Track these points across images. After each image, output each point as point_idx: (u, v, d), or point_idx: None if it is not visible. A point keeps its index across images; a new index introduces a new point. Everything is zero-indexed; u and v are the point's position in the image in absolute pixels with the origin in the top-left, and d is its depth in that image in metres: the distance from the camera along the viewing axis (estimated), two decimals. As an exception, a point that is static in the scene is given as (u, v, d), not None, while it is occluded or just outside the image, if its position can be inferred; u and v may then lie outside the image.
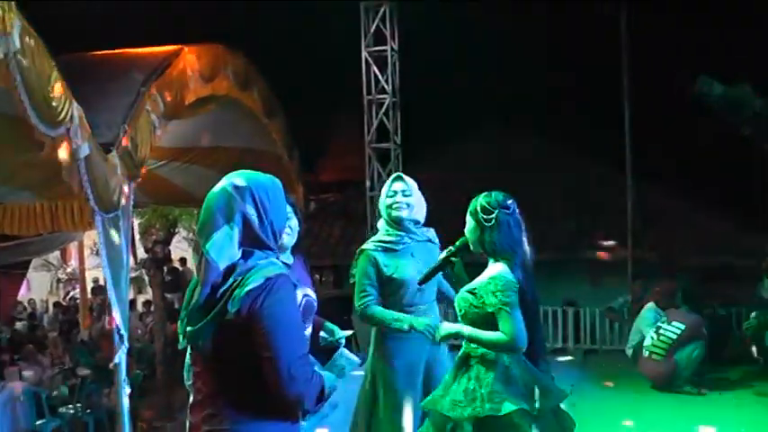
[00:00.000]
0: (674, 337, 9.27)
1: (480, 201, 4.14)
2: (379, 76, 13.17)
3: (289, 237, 4.25)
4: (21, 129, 5.42)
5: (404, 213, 5.16)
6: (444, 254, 4.36)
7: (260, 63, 10.08)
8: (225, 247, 2.78)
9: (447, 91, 16.21)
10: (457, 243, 4.31)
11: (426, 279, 4.50)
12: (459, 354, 4.17)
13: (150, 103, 7.08)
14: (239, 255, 2.79)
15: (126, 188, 6.61)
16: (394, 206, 5.18)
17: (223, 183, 2.90)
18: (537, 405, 3.92)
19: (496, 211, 4.06)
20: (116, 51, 8.16)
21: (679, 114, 14.59)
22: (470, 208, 4.18)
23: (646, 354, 9.47)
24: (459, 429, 4.00)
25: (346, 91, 14.35)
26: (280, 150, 10.89)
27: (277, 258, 2.86)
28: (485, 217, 4.07)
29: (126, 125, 6.60)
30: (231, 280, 2.75)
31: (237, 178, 2.90)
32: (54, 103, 5.29)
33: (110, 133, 6.48)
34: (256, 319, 2.69)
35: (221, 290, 2.75)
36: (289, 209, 4.21)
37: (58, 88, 5.31)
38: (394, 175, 5.39)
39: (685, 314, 9.50)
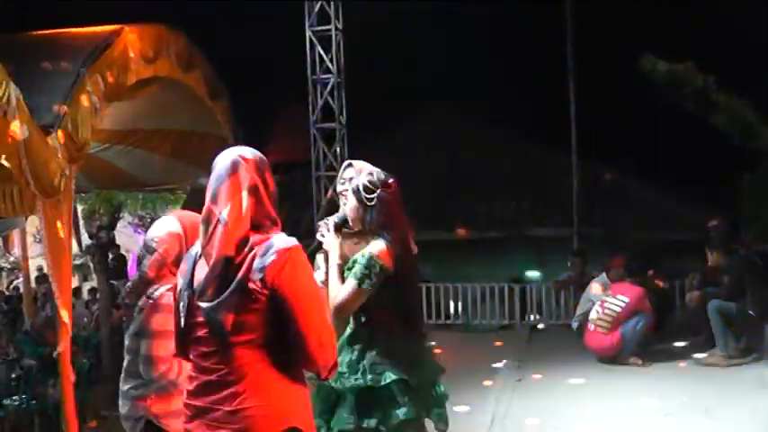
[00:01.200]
0: (618, 309, 9.39)
1: (362, 179, 4.21)
2: (324, 56, 13.10)
3: None
4: (-44, 111, 5.30)
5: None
6: (324, 231, 4.37)
7: (203, 44, 9.97)
8: (239, 216, 2.78)
9: (392, 71, 16.20)
10: (336, 219, 4.37)
11: (310, 254, 4.50)
12: (348, 331, 4.23)
13: (91, 84, 6.96)
14: (249, 225, 2.79)
15: (67, 171, 6.50)
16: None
17: (231, 154, 2.91)
18: (415, 376, 4.04)
19: (378, 191, 4.12)
20: (55, 31, 8.01)
21: (623, 93, 14.76)
22: (352, 186, 4.26)
23: (591, 327, 9.58)
24: (342, 400, 4.10)
25: (291, 72, 14.25)
26: (224, 132, 10.80)
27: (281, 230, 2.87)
28: (367, 196, 4.13)
29: (66, 107, 6.47)
30: (247, 251, 2.74)
31: (244, 151, 2.93)
32: (-11, 85, 5.17)
33: (49, 115, 6.36)
34: (281, 290, 2.70)
35: (237, 261, 2.74)
36: None
37: (-7, 69, 5.19)
38: (345, 163, 5.39)
39: (629, 287, 9.62)
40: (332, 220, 4.37)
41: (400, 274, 4.08)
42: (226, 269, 2.74)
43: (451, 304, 13.00)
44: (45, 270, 16.71)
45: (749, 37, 13.03)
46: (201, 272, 2.83)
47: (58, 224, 6.50)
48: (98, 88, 7.09)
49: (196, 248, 2.95)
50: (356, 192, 4.19)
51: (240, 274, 2.72)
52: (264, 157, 2.96)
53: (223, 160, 2.89)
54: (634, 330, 9.31)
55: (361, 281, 4.00)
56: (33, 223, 14.86)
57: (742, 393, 7.78)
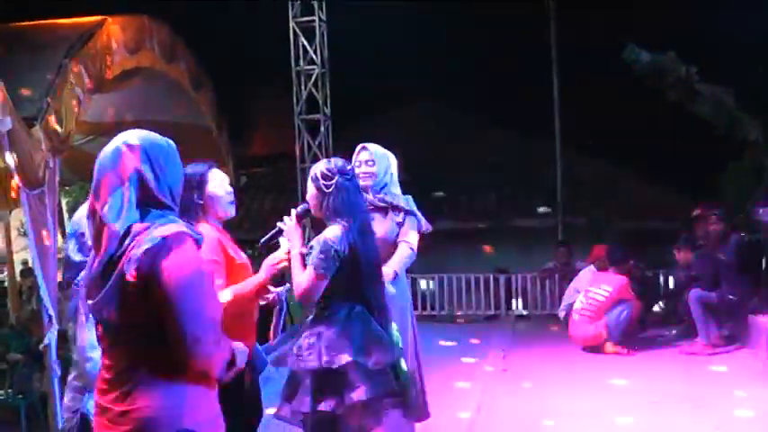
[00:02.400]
0: (602, 299, 9.45)
1: (320, 167, 4.28)
2: (308, 47, 13.07)
3: (231, 207, 4.26)
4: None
5: (368, 183, 5.38)
6: (286, 220, 4.37)
7: (186, 35, 9.94)
8: (122, 208, 2.59)
9: (376, 62, 16.18)
10: (299, 209, 4.39)
11: (265, 242, 4.50)
12: (311, 315, 4.30)
13: (74, 75, 6.93)
14: (137, 216, 2.60)
15: (51, 163, 6.47)
16: (358, 176, 5.22)
17: (115, 142, 2.71)
18: (373, 359, 4.06)
19: (336, 177, 4.18)
20: (37, 22, 7.96)
21: (607, 82, 14.80)
22: (311, 174, 4.32)
23: (575, 317, 9.64)
24: (299, 382, 4.16)
25: (275, 63, 14.21)
26: (209, 124, 10.79)
27: (178, 217, 2.70)
28: (325, 183, 4.19)
29: (49, 98, 6.45)
30: (128, 241, 2.56)
31: (130, 136, 2.72)
32: (-28, 77, 5.14)
33: (32, 107, 6.33)
34: (156, 279, 2.52)
35: (117, 255, 2.56)
36: (226, 180, 4.28)
37: (-25, 60, 5.16)
38: (360, 146, 5.55)
39: (612, 277, 9.68)
40: (294, 210, 4.39)
41: (357, 259, 4.12)
42: (105, 266, 2.59)
43: (436, 295, 13.02)
44: (30, 263, 16.66)
45: (732, 26, 13.09)
46: (91, 270, 2.69)
47: (42, 215, 6.47)
48: (81, 80, 7.06)
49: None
50: (315, 179, 4.24)
51: (119, 267, 2.55)
52: (162, 142, 2.77)
53: (106, 149, 2.71)
54: (618, 319, 9.38)
55: (317, 266, 4.05)
56: (18, 216, 14.82)
57: (725, 381, 7.84)
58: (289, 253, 4.21)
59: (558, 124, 14.78)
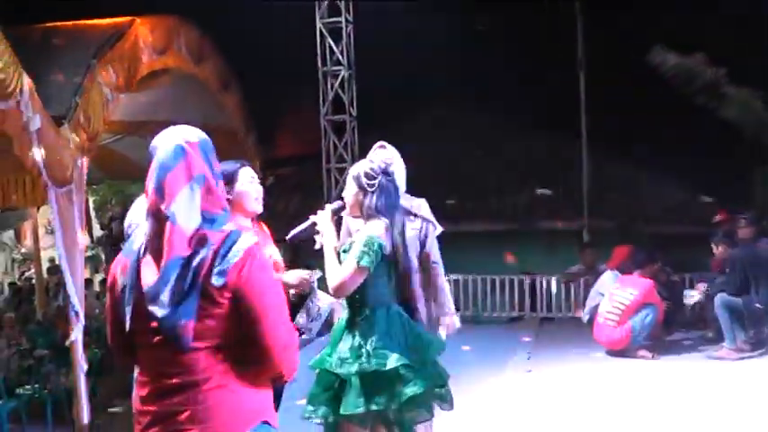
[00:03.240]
0: (627, 302, 9.38)
1: (363, 166, 4.30)
2: (334, 48, 13.10)
3: (259, 204, 4.31)
4: (-31, 102, 5.34)
5: None
6: (319, 214, 4.39)
7: (214, 36, 10.00)
8: (190, 209, 2.48)
9: (402, 63, 16.17)
10: (333, 205, 4.41)
11: (296, 235, 4.51)
12: (345, 317, 4.30)
13: (102, 75, 7.01)
14: (200, 218, 2.50)
15: (79, 162, 6.54)
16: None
17: (173, 139, 2.58)
18: (417, 356, 4.12)
19: (380, 177, 4.21)
20: (66, 23, 8.04)
21: (634, 84, 14.70)
22: (352, 172, 4.32)
23: (600, 320, 9.58)
24: (347, 385, 4.14)
25: (301, 64, 14.25)
26: (236, 125, 10.84)
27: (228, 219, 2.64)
28: (368, 182, 4.21)
29: (78, 98, 6.52)
30: (205, 250, 2.46)
31: (188, 133, 2.61)
32: (2, 75, 5.21)
33: (61, 106, 6.40)
34: (244, 294, 2.47)
35: (195, 263, 2.45)
36: (256, 178, 4.33)
37: (6, 59, 5.22)
38: (378, 144, 5.49)
39: (638, 280, 9.61)
40: (329, 205, 4.41)
41: (397, 257, 4.18)
42: (181, 273, 2.45)
43: (460, 295, 13.00)
44: (57, 261, 16.81)
45: (761, 28, 12.95)
46: (150, 273, 2.53)
47: (70, 212, 6.54)
48: (110, 80, 7.13)
49: (138, 243, 2.62)
50: (357, 178, 4.26)
51: (200, 278, 2.45)
52: (208, 138, 2.65)
53: (165, 145, 2.57)
54: (643, 323, 9.31)
55: (360, 258, 4.05)
56: (45, 215, 14.97)
57: (751, 386, 7.78)
58: (293, 239, 4.24)
59: (584, 125, 14.71)
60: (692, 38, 12.95)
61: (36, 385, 9.67)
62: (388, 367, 4.05)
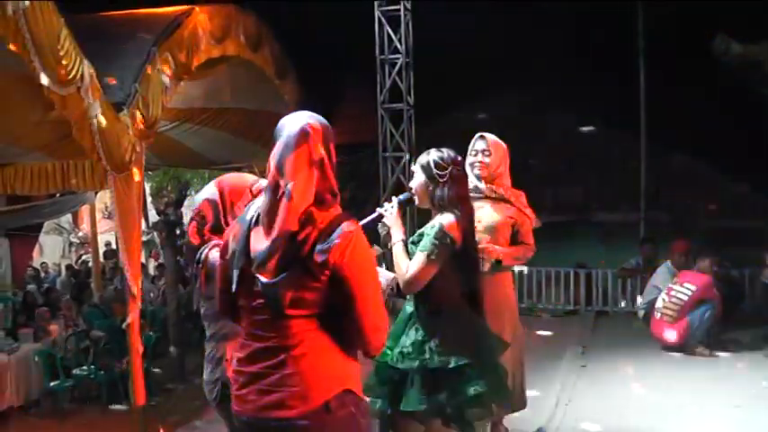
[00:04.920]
0: (686, 298, 9.22)
1: (433, 156, 4.23)
2: (393, 36, 13.04)
3: None
4: (31, 88, 5.42)
5: (483, 173, 5.48)
6: (387, 206, 4.35)
7: (271, 24, 10.02)
8: (305, 190, 2.69)
9: (460, 52, 16.07)
10: (401, 197, 4.37)
11: (363, 227, 4.45)
12: (408, 310, 4.27)
13: (161, 63, 7.07)
14: (312, 200, 2.71)
15: (138, 148, 6.61)
16: (475, 165, 5.50)
17: (300, 122, 2.78)
18: (480, 356, 4.08)
19: (450, 168, 4.16)
20: (127, 12, 8.13)
21: (696, 74, 14.42)
22: (422, 162, 4.27)
23: (657, 315, 9.43)
24: (407, 380, 4.11)
25: (359, 52, 14.21)
26: (291, 112, 10.85)
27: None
28: (438, 173, 4.17)
29: (137, 84, 6.59)
30: (311, 228, 2.68)
31: (312, 119, 2.81)
32: (64, 62, 5.27)
33: (121, 93, 6.48)
34: (343, 273, 2.66)
35: (300, 238, 2.67)
36: None
37: (67, 46, 5.28)
38: (477, 135, 5.63)
39: (697, 275, 9.44)
40: (396, 198, 4.37)
41: (467, 252, 4.11)
42: (288, 245, 2.67)
43: (516, 287, 12.92)
44: (113, 245, 17.06)
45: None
46: (259, 241, 2.75)
47: (128, 197, 6.62)
48: (168, 67, 7.19)
49: (251, 213, 2.85)
50: (427, 168, 4.21)
51: (303, 253, 2.66)
52: (329, 126, 2.84)
53: (291, 127, 2.77)
54: (701, 319, 9.15)
55: (430, 252, 4.01)
56: (102, 199, 15.21)
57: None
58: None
59: (643, 118, 14.49)
60: (758, 25, 12.64)
61: (92, 366, 9.84)
62: (451, 365, 4.00)
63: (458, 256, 4.07)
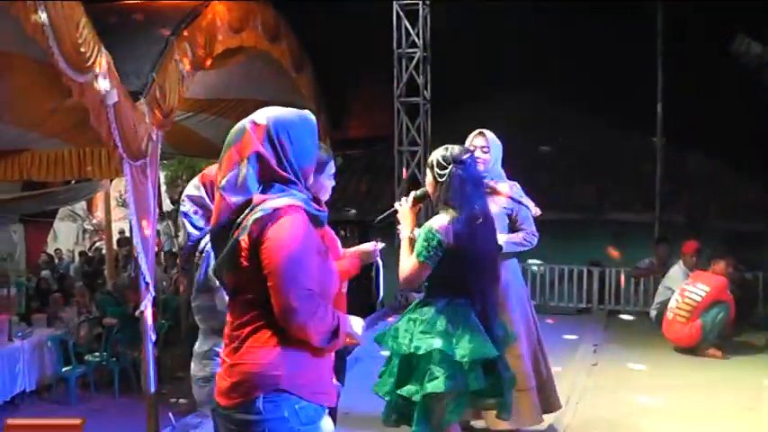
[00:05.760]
0: (699, 299, 9.18)
1: (437, 155, 4.26)
2: (410, 30, 13.03)
3: (327, 195, 4.32)
4: (49, 75, 5.44)
5: (481, 168, 5.39)
6: (402, 201, 4.40)
7: (289, 16, 10.03)
8: (237, 184, 2.76)
9: (477, 47, 16.02)
10: (417, 193, 4.41)
11: (380, 221, 4.53)
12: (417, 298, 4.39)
13: (179, 52, 7.09)
14: (258, 189, 2.78)
15: (154, 136, 6.63)
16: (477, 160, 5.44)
17: (243, 121, 2.88)
18: (461, 352, 4.04)
19: (450, 167, 4.16)
20: (145, 1, 8.15)
21: (714, 75, 14.34)
22: (429, 160, 4.31)
23: (670, 316, 9.39)
24: (389, 362, 4.26)
25: (375, 46, 14.20)
26: (307, 105, 10.85)
27: (300, 191, 2.83)
28: (438, 172, 4.20)
29: (155, 73, 6.61)
30: (247, 211, 2.74)
31: (259, 115, 2.87)
32: (82, 49, 5.29)
33: (138, 81, 6.51)
34: (261, 248, 2.69)
35: (237, 221, 2.75)
36: (334, 171, 4.30)
37: (86, 34, 5.30)
38: (477, 131, 5.68)
39: (711, 277, 9.40)
40: (413, 192, 4.40)
41: (464, 251, 4.09)
42: (222, 233, 2.79)
43: (528, 284, 12.90)
44: (127, 233, 17.14)
45: None
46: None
47: (143, 185, 6.65)
48: (186, 57, 7.22)
49: None
50: (431, 167, 4.25)
51: (234, 235, 2.74)
52: (293, 119, 2.89)
53: (235, 127, 2.89)
54: (714, 321, 9.10)
55: (419, 254, 4.07)
56: (117, 187, 15.26)
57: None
58: (379, 223, 4.24)
59: (660, 117, 14.42)
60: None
61: (104, 353, 9.90)
62: (420, 351, 4.06)
63: (453, 254, 4.07)
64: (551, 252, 13.37)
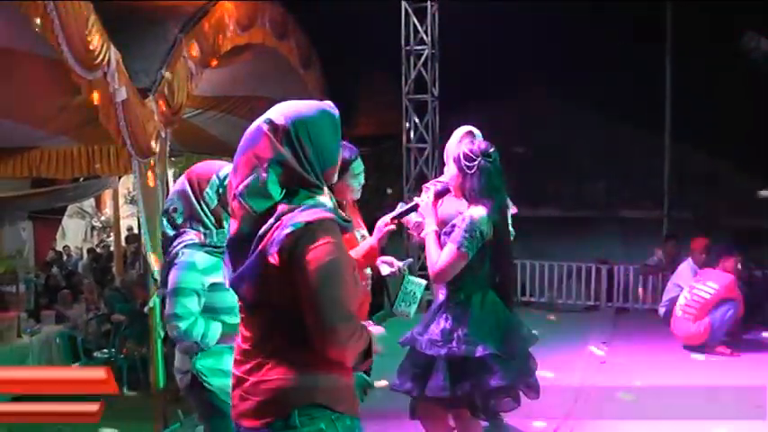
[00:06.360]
0: (708, 296, 9.15)
1: (463, 148, 4.24)
2: (419, 27, 13.01)
3: (358, 194, 4.34)
4: (58, 72, 5.46)
5: None
6: (422, 197, 4.38)
7: (297, 13, 10.03)
8: (258, 190, 2.56)
9: (486, 45, 16.00)
10: (439, 187, 4.39)
11: (396, 217, 4.48)
12: (440, 298, 4.32)
13: (187, 50, 7.10)
14: (282, 194, 2.57)
15: (163, 134, 6.65)
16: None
17: (259, 121, 2.67)
18: (509, 348, 4.10)
19: (479, 159, 4.14)
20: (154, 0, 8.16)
21: (723, 71, 14.29)
22: (453, 155, 4.29)
23: (678, 313, 9.37)
24: (434, 366, 4.15)
25: (383, 43, 14.18)
26: (316, 102, 10.87)
27: (324, 196, 2.66)
28: (467, 164, 4.16)
29: (163, 71, 6.62)
30: (272, 221, 2.53)
31: (276, 114, 2.66)
32: (91, 47, 5.31)
33: (147, 79, 6.53)
34: (296, 265, 2.49)
35: (261, 232, 2.55)
36: (363, 168, 4.40)
37: (95, 32, 5.32)
38: (467, 130, 5.46)
39: (719, 274, 9.37)
40: (433, 186, 4.39)
41: (497, 243, 4.13)
42: (243, 242, 2.59)
43: (536, 282, 12.89)
44: (135, 230, 17.17)
45: None
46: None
47: (152, 182, 6.66)
48: (195, 54, 7.23)
49: None
50: (457, 160, 4.21)
51: (261, 247, 2.54)
52: (313, 116, 2.67)
53: (250, 127, 2.68)
54: (723, 319, 9.07)
55: (460, 244, 4.03)
56: (125, 184, 15.29)
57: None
58: (394, 219, 4.19)
59: (668, 114, 14.39)
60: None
61: (113, 349, 9.92)
62: (477, 355, 4.04)
63: (488, 247, 4.09)
64: (559, 249, 13.38)
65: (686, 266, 10.11)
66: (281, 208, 2.55)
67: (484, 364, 4.04)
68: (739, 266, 9.66)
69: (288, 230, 2.50)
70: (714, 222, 13.49)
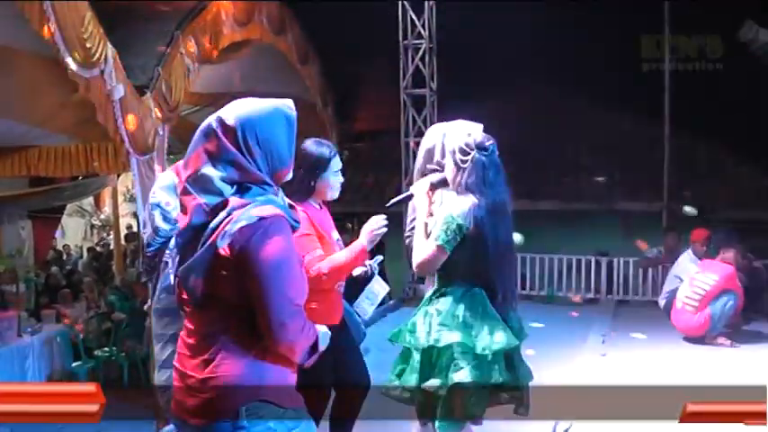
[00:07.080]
0: (708, 288, 9.15)
1: (459, 141, 4.15)
2: (416, 21, 12.99)
3: (337, 192, 4.30)
4: (55, 70, 5.45)
5: None
6: (416, 185, 4.36)
7: (294, 8, 10.02)
8: (209, 185, 2.56)
9: (485, 39, 15.99)
10: (436, 179, 4.34)
11: (393, 204, 4.48)
12: (430, 292, 4.26)
13: (185, 46, 7.09)
14: (232, 190, 2.57)
15: (161, 131, 6.64)
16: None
17: (215, 116, 2.65)
18: (482, 343, 3.97)
19: (473, 152, 4.06)
20: (150, -3, 8.14)
21: (722, 64, 14.28)
22: (449, 148, 4.22)
23: (678, 305, 9.37)
24: (409, 357, 4.14)
25: (381, 38, 14.17)
26: (314, 98, 10.87)
27: (275, 195, 2.64)
28: (461, 158, 4.08)
29: (160, 68, 6.61)
30: (224, 215, 2.53)
31: (228, 114, 2.63)
32: (88, 44, 5.30)
33: (144, 76, 6.52)
34: (247, 260, 2.50)
35: (212, 225, 2.55)
36: (340, 166, 4.29)
37: (91, 29, 5.31)
38: (478, 126, 5.45)
39: (720, 265, 9.37)
40: (429, 178, 4.34)
41: (484, 238, 4.01)
42: (193, 235, 2.59)
43: (536, 275, 12.89)
44: (134, 228, 17.15)
45: None
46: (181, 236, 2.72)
47: (150, 180, 6.65)
48: (192, 50, 7.23)
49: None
50: (452, 153, 4.14)
51: (212, 239, 2.53)
52: (264, 117, 2.64)
53: (203, 123, 2.67)
54: (723, 310, 9.07)
55: (437, 238, 3.98)
56: (124, 182, 15.27)
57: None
58: (390, 207, 4.17)
59: (667, 106, 14.38)
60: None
61: (113, 348, 9.92)
62: (440, 344, 3.98)
63: (473, 240, 3.99)
64: (559, 242, 13.38)
65: (686, 258, 10.10)
66: (234, 201, 2.55)
67: (450, 355, 3.96)
68: (739, 258, 9.67)
69: (241, 224, 2.50)
70: (714, 214, 13.49)
